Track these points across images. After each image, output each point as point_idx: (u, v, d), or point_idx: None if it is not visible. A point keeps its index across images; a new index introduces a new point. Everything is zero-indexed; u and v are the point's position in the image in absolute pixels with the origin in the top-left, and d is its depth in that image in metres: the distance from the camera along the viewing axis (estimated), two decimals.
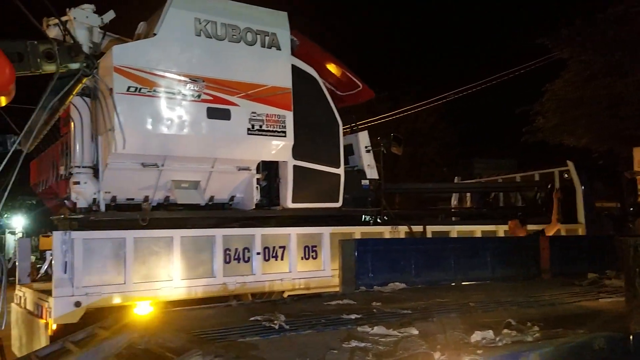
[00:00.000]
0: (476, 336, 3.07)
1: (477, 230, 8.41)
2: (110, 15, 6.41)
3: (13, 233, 24.91)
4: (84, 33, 6.05)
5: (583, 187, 9.90)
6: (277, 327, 3.49)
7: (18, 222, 27.94)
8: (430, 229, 8.08)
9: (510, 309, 4.21)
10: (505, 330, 3.19)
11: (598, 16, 16.28)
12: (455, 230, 8.29)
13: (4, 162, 3.36)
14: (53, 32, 5.46)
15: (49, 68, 3.22)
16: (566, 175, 10.19)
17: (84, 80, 3.69)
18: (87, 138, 6.32)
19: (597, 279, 6.35)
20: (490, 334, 3.10)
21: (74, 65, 3.33)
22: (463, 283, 6.10)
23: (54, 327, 5.57)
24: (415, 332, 3.23)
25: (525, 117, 18.66)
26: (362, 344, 3.01)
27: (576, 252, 7.56)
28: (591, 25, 16.49)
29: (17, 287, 7.39)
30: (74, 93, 3.68)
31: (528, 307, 4.41)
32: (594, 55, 16.50)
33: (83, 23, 6.08)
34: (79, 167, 6.23)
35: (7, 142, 3.85)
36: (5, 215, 27.43)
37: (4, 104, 3.03)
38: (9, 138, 3.84)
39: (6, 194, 3.48)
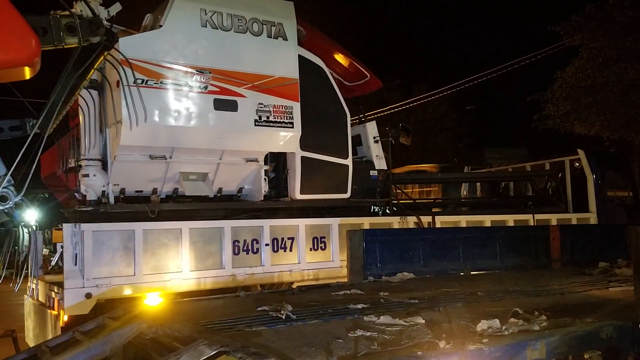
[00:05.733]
0: (482, 325, 3.06)
1: (487, 220, 8.36)
2: (116, 7, 6.33)
3: (27, 226, 25.16)
4: None
5: (594, 176, 9.79)
6: (284, 317, 3.50)
7: (31, 215, 28.23)
8: (440, 219, 8.04)
9: (518, 298, 4.20)
10: (512, 319, 3.18)
11: (609, 2, 16.01)
12: (464, 220, 8.24)
13: (24, 146, 3.38)
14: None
15: (71, 41, 3.25)
16: (577, 164, 10.08)
17: (105, 54, 3.71)
18: (96, 130, 6.35)
19: (607, 267, 6.31)
20: (496, 323, 3.09)
21: (95, 39, 3.36)
22: (472, 272, 6.08)
23: (66, 318, 5.63)
24: (422, 321, 3.23)
25: (536, 105, 18.47)
26: (368, 333, 3.02)
27: (587, 241, 7.52)
28: (602, 11, 16.23)
29: (30, 279, 7.47)
30: (95, 67, 3.70)
31: (536, 296, 4.40)
32: (605, 41, 16.24)
33: (89, 16, 6.07)
34: (87, 159, 6.27)
35: (27, 125, 3.88)
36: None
37: (28, 77, 3.05)
38: (28, 121, 3.87)
39: (29, 178, 3.52)
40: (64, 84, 3.39)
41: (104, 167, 6.30)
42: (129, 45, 5.89)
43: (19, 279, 3.95)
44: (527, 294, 4.46)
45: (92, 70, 3.79)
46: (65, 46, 3.23)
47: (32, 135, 3.48)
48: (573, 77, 17.01)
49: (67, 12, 3.26)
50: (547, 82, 18.16)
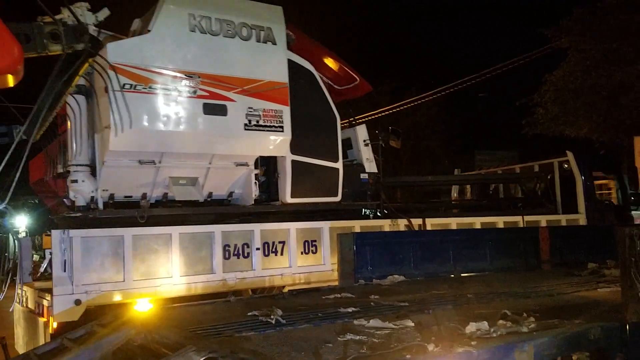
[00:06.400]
0: (471, 327, 3.07)
1: (477, 222, 8.40)
2: (104, 12, 6.36)
3: (17, 232, 24.93)
4: None
5: (583, 177, 9.87)
6: (273, 321, 3.50)
7: (21, 221, 27.96)
8: (430, 222, 8.07)
9: (507, 300, 4.22)
10: (501, 321, 3.20)
11: (597, 4, 16.18)
12: (455, 223, 8.28)
13: (10, 151, 3.35)
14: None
15: (55, 48, 3.22)
16: (566, 166, 10.16)
17: (90, 60, 3.68)
18: (84, 136, 6.31)
19: (596, 268, 6.36)
20: (485, 325, 3.10)
21: (80, 46, 3.32)
22: (462, 275, 6.10)
23: (55, 325, 5.59)
24: (411, 324, 3.23)
25: (525, 108, 18.59)
26: (357, 337, 3.02)
27: (576, 243, 7.57)
28: (591, 14, 16.38)
29: (19, 285, 7.40)
30: (79, 75, 3.67)
31: (525, 298, 4.42)
32: (593, 44, 16.40)
33: (74, 23, 6.05)
34: (76, 165, 6.23)
35: (13, 132, 3.85)
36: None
37: (12, 84, 3.02)
38: (14, 128, 3.84)
39: (12, 186, 3.48)
40: (49, 90, 3.37)
41: (93, 172, 6.26)
42: (117, 50, 5.87)
43: (4, 287, 3.90)
44: (516, 296, 4.49)
45: (77, 77, 3.77)
46: (49, 53, 3.21)
47: (16, 142, 3.45)
48: (561, 80, 17.16)
49: (50, 20, 3.24)
50: (536, 84, 18.30)
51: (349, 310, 3.82)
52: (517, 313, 3.43)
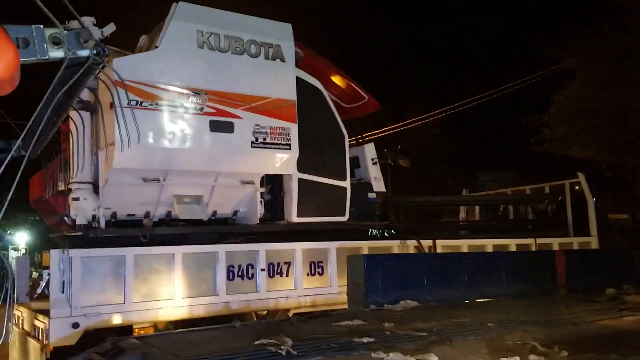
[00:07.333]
0: None
1: (489, 244, 8.17)
2: (110, 28, 6.17)
3: (16, 249, 24.69)
4: None
5: (594, 199, 9.66)
6: (284, 352, 3.27)
7: (21, 238, 27.75)
8: (440, 243, 7.84)
9: (532, 330, 3.98)
10: (532, 356, 2.96)
11: (603, 27, 16.11)
12: (466, 245, 8.05)
13: (3, 165, 3.12)
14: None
15: (56, 54, 2.95)
16: (577, 187, 9.97)
17: (97, 71, 3.42)
18: (87, 153, 6.15)
19: (616, 294, 6.12)
20: None
21: (83, 52, 3.06)
22: (477, 300, 5.86)
23: (51, 349, 5.34)
24: (435, 358, 3.00)
25: (529, 128, 18.44)
26: None
27: (592, 267, 7.34)
28: (596, 35, 16.31)
29: (15, 306, 7.17)
30: (84, 84, 3.43)
31: (549, 327, 4.19)
32: (599, 65, 16.31)
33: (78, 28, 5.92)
34: (78, 182, 6.05)
35: (12, 147, 3.64)
36: (9, 232, 27.24)
37: (8, 91, 2.79)
38: (13, 143, 3.64)
39: (7, 201, 3.26)
40: (48, 101, 3.14)
41: (95, 190, 6.08)
42: (124, 66, 5.73)
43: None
44: (538, 325, 4.25)
45: (81, 88, 3.55)
46: (50, 60, 2.96)
47: (9, 156, 3.23)
48: (568, 101, 17.03)
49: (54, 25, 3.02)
50: (540, 104, 18.18)
51: (364, 340, 3.59)
52: (546, 345, 3.20)
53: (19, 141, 3.25)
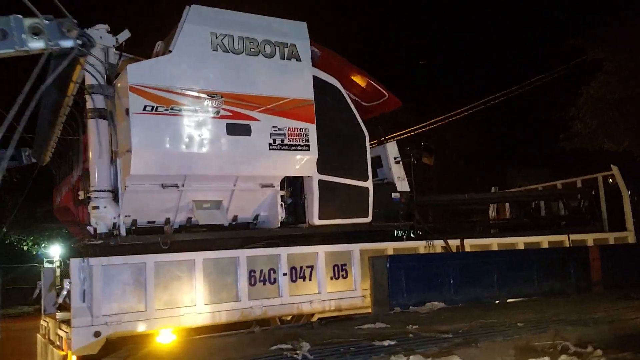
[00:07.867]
0: None
1: (520, 242, 7.87)
2: (125, 35, 6.26)
3: (51, 262, 25.21)
4: (98, 54, 5.89)
5: (630, 192, 9.25)
6: (300, 357, 3.13)
7: (55, 250, 28.34)
8: (469, 243, 7.58)
9: (564, 329, 3.74)
10: (563, 357, 2.75)
11: (628, 13, 15.61)
12: (495, 243, 7.77)
13: (2, 171, 3.05)
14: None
15: (36, 45, 2.81)
16: (611, 181, 9.56)
17: (82, 61, 3.27)
18: (105, 161, 6.13)
19: None
20: None
21: (67, 43, 2.91)
22: (507, 300, 5.60)
23: (74, 359, 5.33)
24: None
25: (559, 123, 17.95)
26: None
27: (628, 262, 6.99)
28: (625, 26, 15.80)
29: (42, 316, 7.23)
30: (73, 80, 3.30)
31: (583, 326, 3.94)
32: (627, 55, 15.79)
33: (97, 43, 5.93)
34: (97, 191, 6.03)
35: (22, 155, 3.62)
36: (43, 245, 27.87)
37: None
38: (23, 151, 3.62)
39: (16, 209, 3.21)
40: (45, 103, 3.08)
41: (115, 198, 6.06)
42: (138, 71, 5.75)
43: None
44: (572, 324, 4.01)
45: (72, 84, 3.45)
46: (30, 52, 2.84)
47: (6, 160, 3.19)
48: (598, 92, 16.51)
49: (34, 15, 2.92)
50: (567, 99, 17.67)
51: (385, 343, 3.42)
52: (580, 345, 2.98)
53: (11, 148, 3.18)
